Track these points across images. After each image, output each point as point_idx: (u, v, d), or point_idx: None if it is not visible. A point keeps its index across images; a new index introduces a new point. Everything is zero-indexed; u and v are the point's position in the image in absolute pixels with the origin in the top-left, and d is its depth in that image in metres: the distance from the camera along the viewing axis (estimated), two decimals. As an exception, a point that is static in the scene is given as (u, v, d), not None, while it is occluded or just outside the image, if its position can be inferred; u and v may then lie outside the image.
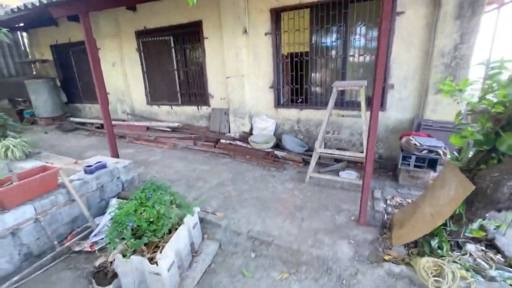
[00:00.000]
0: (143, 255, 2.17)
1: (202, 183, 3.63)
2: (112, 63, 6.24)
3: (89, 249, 2.55)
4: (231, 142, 4.82)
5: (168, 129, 5.73)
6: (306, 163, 4.14)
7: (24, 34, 7.72)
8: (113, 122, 6.21)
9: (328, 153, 3.64)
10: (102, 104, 3.85)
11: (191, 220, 2.43)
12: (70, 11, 3.36)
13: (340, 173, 3.73)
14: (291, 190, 3.38)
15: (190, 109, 5.86)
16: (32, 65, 7.63)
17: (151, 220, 2.35)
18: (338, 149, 4.32)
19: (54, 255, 2.48)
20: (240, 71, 4.77)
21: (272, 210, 2.96)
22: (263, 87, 4.86)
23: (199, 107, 5.72)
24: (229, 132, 5.30)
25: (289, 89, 4.80)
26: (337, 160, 4.10)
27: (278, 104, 4.85)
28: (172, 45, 5.56)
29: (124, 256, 2.08)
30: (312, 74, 4.46)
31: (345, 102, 4.29)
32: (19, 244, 2.38)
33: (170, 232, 2.38)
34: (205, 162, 4.40)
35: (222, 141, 4.92)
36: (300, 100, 4.74)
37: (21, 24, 6.77)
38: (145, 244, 2.27)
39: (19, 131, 4.51)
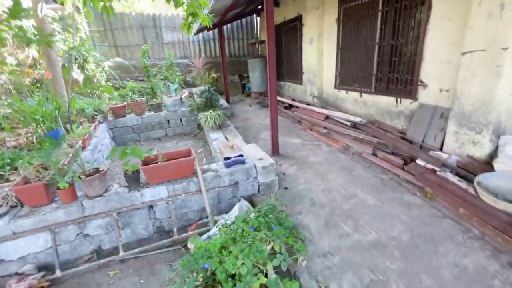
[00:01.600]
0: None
1: (350, 229, 2.28)
2: (310, 39, 5.71)
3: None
4: (436, 169, 2.77)
5: (348, 123, 4.49)
6: None
7: (258, 18, 9.17)
8: (298, 104, 5.96)
9: None
10: (271, 89, 3.45)
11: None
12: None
13: None
14: None
15: (385, 100, 4.16)
16: (257, 46, 9.04)
17: (231, 273, 1.59)
18: None
19: (173, 240, 2.50)
20: (500, 41, 2.38)
21: None
22: (559, 73, 2.19)
23: (399, 99, 3.88)
24: (440, 150, 3.14)
25: None
26: None
27: None
28: (380, 7, 3.93)
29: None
30: None
31: None
32: (154, 217, 2.58)
33: (243, 310, 1.52)
34: (374, 190, 2.83)
35: (420, 162, 2.98)
36: None
37: (259, 7, 7.86)
38: (211, 306, 1.59)
39: (220, 105, 5.29)
